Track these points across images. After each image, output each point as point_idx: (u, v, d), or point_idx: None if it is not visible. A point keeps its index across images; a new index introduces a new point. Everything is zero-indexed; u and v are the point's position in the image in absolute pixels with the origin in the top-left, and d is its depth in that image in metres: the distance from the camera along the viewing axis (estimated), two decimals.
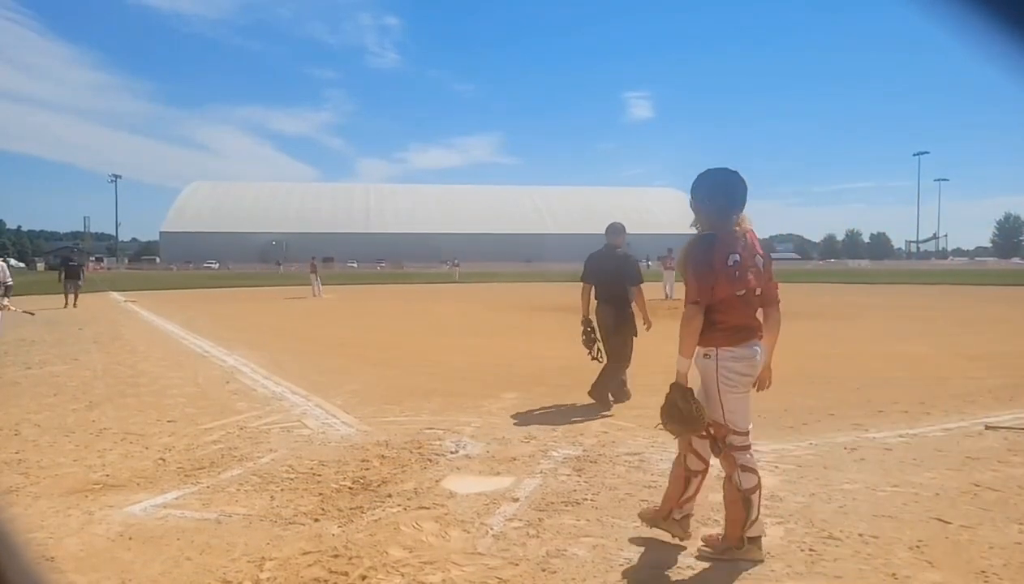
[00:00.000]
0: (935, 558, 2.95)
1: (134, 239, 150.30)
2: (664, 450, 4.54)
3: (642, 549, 3.11)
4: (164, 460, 4.58)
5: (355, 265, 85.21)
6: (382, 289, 33.64)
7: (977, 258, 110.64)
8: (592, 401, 6.10)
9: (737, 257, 2.90)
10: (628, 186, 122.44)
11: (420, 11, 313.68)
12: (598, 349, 6.26)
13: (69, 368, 8.73)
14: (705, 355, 2.96)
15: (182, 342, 11.65)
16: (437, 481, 4.09)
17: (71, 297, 20.14)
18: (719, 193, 3.00)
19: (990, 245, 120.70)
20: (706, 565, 2.96)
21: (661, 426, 3.09)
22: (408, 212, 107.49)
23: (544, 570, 2.89)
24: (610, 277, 6.21)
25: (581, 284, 6.41)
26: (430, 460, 4.51)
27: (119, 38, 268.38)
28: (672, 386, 2.94)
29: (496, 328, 14.46)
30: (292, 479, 4.15)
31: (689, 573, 2.92)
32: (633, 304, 6.22)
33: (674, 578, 2.88)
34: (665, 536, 3.17)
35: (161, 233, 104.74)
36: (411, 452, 4.69)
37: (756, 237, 3.04)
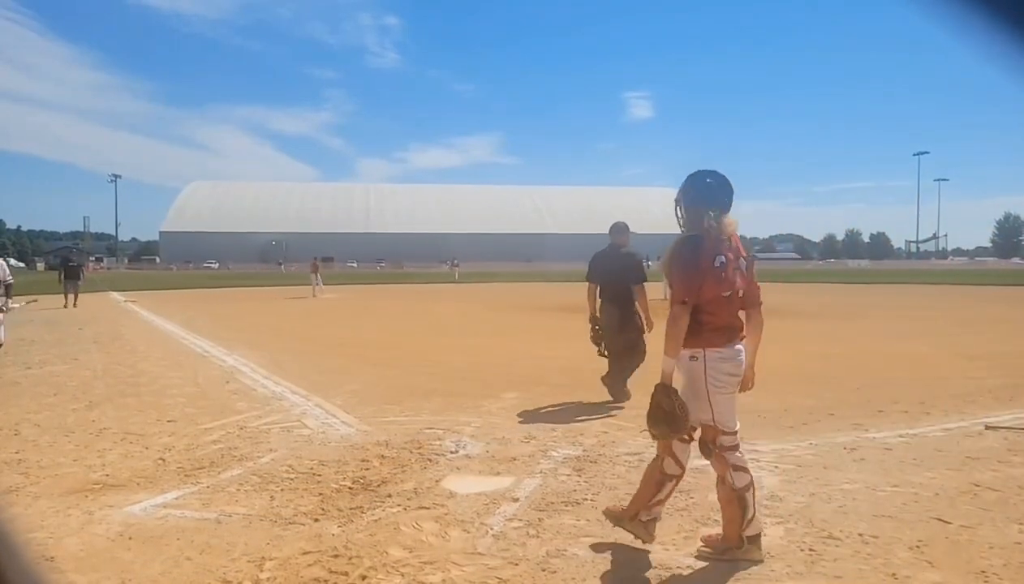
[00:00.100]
0: (935, 558, 2.95)
1: (134, 239, 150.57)
2: None
3: (642, 549, 3.11)
4: (164, 460, 4.59)
5: (355, 265, 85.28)
6: (382, 289, 33.63)
7: (977, 258, 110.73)
8: (610, 398, 6.20)
9: (723, 258, 2.94)
10: (628, 186, 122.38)
11: (420, 11, 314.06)
12: (605, 346, 6.31)
13: (69, 368, 8.73)
14: (692, 357, 2.96)
15: (182, 342, 11.65)
16: (437, 481, 4.09)
17: (71, 297, 20.16)
18: (706, 195, 3.03)
19: (990, 245, 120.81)
20: (706, 565, 2.96)
21: (646, 430, 3.10)
22: (408, 212, 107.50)
23: (544, 570, 2.89)
24: (615, 276, 6.25)
25: (587, 284, 6.45)
26: (430, 460, 4.51)
27: (119, 38, 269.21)
28: (657, 386, 2.96)
29: (496, 328, 14.46)
30: (292, 479, 4.15)
31: (689, 573, 2.92)
32: (636, 303, 6.24)
33: (674, 578, 2.88)
34: (628, 537, 3.13)
35: (161, 233, 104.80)
36: (411, 452, 4.69)
37: (739, 240, 3.07)
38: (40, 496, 3.89)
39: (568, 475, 4.18)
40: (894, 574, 2.81)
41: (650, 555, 3.05)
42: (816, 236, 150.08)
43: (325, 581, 2.80)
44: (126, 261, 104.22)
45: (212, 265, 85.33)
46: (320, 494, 3.86)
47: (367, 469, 4.32)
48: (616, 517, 3.18)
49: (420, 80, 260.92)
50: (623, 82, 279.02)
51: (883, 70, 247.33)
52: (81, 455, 4.73)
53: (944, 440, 4.90)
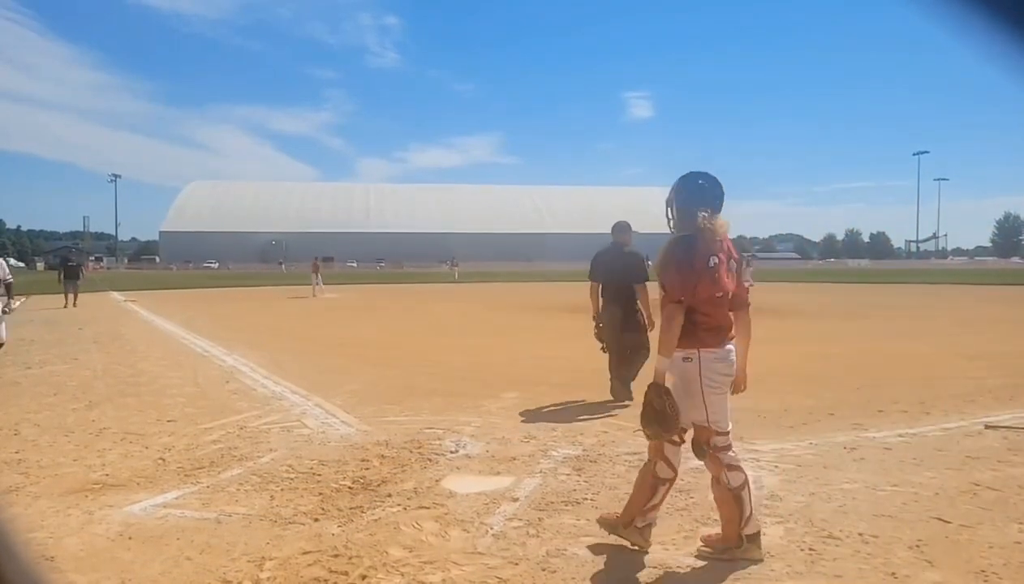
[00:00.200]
0: (935, 557, 2.95)
1: (134, 239, 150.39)
2: None
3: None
4: (164, 460, 4.59)
5: (355, 265, 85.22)
6: (382, 289, 33.63)
7: (977, 258, 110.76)
8: (610, 397, 6.23)
9: (716, 259, 2.96)
10: (628, 186, 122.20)
11: (420, 11, 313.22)
12: (606, 344, 6.33)
13: (69, 368, 8.73)
14: (685, 358, 2.96)
15: (182, 342, 11.65)
16: (437, 481, 4.09)
17: (71, 297, 20.17)
18: (697, 196, 3.04)
19: (990, 245, 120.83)
20: (706, 564, 2.96)
21: (640, 430, 3.10)
22: (408, 212, 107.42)
23: (544, 570, 2.89)
24: (617, 276, 6.27)
25: (589, 283, 6.47)
26: (430, 460, 4.51)
27: (119, 38, 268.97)
28: (650, 386, 2.97)
29: (496, 328, 14.47)
30: (292, 479, 4.15)
31: (689, 572, 2.92)
32: (638, 302, 6.25)
33: (674, 578, 2.88)
34: (624, 543, 3.11)
35: (161, 233, 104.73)
36: (411, 452, 4.69)
37: (730, 241, 3.09)
38: (40, 496, 3.89)
39: (568, 475, 4.18)
40: (894, 573, 2.81)
41: (650, 555, 3.05)
42: (816, 236, 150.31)
43: (325, 581, 2.80)
44: (126, 261, 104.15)
45: (212, 265, 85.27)
46: (320, 494, 3.86)
47: (367, 469, 4.32)
48: (611, 525, 3.15)
49: (420, 80, 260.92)
50: (623, 82, 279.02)
51: (883, 70, 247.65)
52: (81, 455, 4.73)
53: (944, 440, 4.90)
